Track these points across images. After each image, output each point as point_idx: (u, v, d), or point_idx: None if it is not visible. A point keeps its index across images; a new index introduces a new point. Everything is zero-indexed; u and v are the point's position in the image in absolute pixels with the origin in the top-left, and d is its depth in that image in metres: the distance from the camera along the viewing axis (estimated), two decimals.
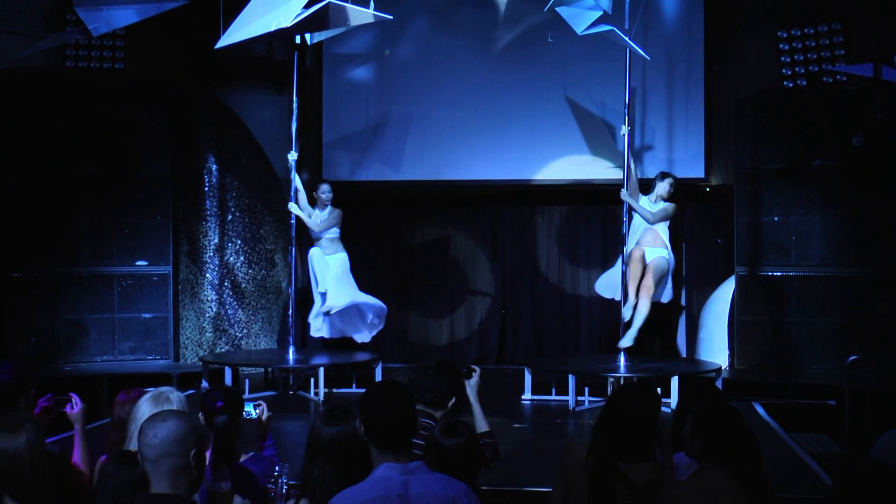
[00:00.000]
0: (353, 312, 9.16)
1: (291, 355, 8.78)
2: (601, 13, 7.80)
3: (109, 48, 9.43)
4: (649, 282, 8.24)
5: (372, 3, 6.52)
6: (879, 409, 6.91)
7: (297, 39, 8.93)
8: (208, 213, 9.99)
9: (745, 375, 9.02)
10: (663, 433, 3.50)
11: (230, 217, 10.07)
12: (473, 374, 4.15)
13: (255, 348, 10.09)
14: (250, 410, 4.02)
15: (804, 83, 9.30)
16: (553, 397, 8.29)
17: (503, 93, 10.19)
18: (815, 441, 7.11)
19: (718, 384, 8.03)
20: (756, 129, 9.37)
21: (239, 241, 10.10)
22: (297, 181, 8.98)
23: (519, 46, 10.20)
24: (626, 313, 8.29)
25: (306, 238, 9.35)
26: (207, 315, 9.96)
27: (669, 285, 8.61)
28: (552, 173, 10.17)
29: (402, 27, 10.20)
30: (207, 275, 9.97)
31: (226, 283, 10.02)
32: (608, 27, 7.85)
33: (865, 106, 8.38)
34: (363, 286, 9.27)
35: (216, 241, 10.00)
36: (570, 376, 8.06)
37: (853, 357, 7.18)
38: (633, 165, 8.53)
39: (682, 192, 9.37)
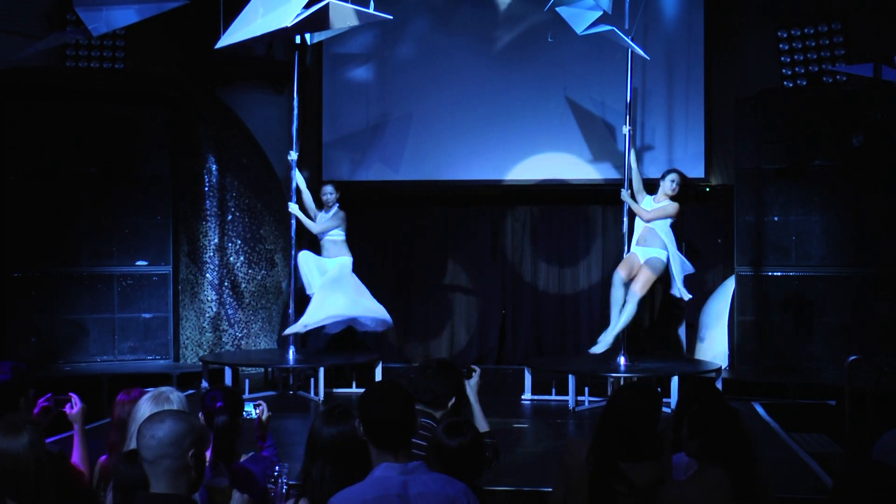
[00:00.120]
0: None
1: (291, 355, 8.77)
2: (601, 13, 7.82)
3: (109, 48, 9.43)
4: (637, 286, 8.12)
5: (372, 3, 6.53)
6: (879, 409, 6.89)
7: (297, 39, 8.93)
8: (208, 213, 9.98)
9: (745, 375, 9.01)
10: (667, 434, 3.51)
11: (230, 217, 10.06)
12: (473, 374, 4.16)
13: (255, 348, 10.08)
14: (250, 410, 4.03)
15: (804, 83, 9.31)
16: (553, 397, 8.29)
17: (503, 93, 10.18)
18: (815, 441, 7.11)
19: (718, 384, 8.02)
20: (756, 129, 9.37)
21: (239, 241, 10.10)
22: (300, 181, 8.94)
23: (519, 46, 10.19)
24: (602, 340, 8.20)
25: (307, 238, 9.28)
26: (207, 315, 9.95)
27: (679, 282, 8.34)
28: (552, 173, 10.16)
29: (402, 27, 10.19)
30: (207, 275, 9.96)
31: (226, 283, 10.01)
32: (608, 27, 7.86)
33: (865, 106, 8.39)
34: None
35: (216, 241, 9.99)
36: (570, 376, 8.05)
37: (853, 357, 7.17)
38: (634, 165, 8.52)
39: (683, 192, 9.36)
